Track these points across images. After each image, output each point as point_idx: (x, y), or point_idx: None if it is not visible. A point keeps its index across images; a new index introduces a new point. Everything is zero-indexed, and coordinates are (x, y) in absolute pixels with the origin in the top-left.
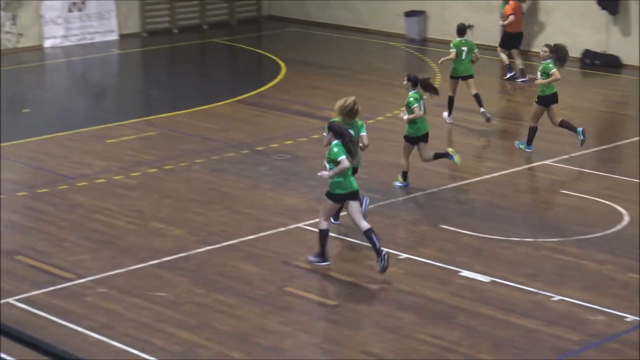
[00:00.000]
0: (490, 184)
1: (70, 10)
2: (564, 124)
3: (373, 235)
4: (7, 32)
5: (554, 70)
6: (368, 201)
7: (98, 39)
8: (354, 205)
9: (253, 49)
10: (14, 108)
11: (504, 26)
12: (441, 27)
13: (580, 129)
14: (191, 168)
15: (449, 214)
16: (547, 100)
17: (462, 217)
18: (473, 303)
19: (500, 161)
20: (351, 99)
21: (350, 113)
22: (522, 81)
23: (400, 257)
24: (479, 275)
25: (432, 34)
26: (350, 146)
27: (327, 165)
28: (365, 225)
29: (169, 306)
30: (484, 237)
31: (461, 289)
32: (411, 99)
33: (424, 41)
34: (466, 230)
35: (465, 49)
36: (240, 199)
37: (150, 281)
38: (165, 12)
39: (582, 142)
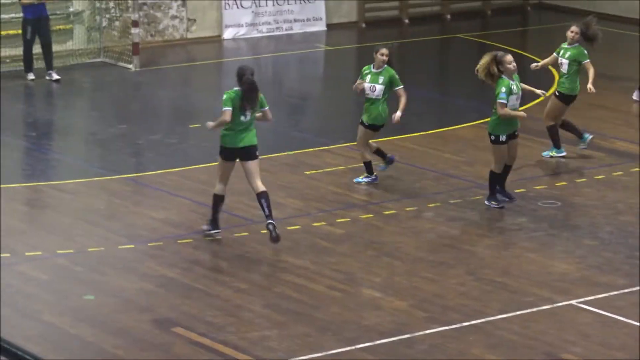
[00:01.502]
0: None
1: None
2: (567, 125)
3: (263, 200)
4: (174, 17)
5: (588, 61)
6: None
7: (298, 29)
8: (247, 165)
9: (514, 49)
10: (180, 121)
11: None
12: None
13: (587, 136)
14: (421, 215)
15: None
16: (571, 99)
17: None
18: None
19: None
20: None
21: None
22: None
23: None
24: None
25: None
26: (249, 96)
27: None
28: (259, 187)
29: None
30: None
31: None
32: None
33: None
34: None
35: None
36: (488, 262)
37: None
38: None
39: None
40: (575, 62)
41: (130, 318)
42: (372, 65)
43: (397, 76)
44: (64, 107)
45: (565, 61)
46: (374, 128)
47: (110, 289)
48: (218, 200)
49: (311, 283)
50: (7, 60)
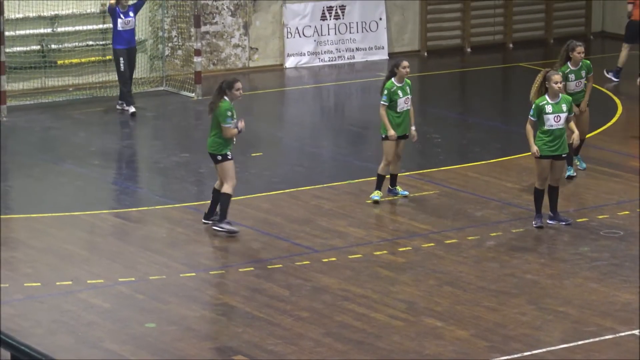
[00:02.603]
0: None
1: (323, 18)
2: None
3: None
4: (237, 46)
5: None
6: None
7: (360, 58)
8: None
9: None
10: (241, 150)
11: None
12: None
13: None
14: (483, 244)
15: None
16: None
17: None
18: None
19: None
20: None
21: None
22: None
23: None
24: None
25: None
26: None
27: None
28: (225, 187)
29: None
30: None
31: None
32: None
33: None
34: None
35: None
36: (551, 291)
37: None
38: (456, 24)
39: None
40: (588, 72)
41: (192, 346)
42: (393, 80)
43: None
44: (127, 135)
45: (583, 80)
46: (405, 137)
47: (172, 317)
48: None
49: (372, 312)
50: (71, 89)
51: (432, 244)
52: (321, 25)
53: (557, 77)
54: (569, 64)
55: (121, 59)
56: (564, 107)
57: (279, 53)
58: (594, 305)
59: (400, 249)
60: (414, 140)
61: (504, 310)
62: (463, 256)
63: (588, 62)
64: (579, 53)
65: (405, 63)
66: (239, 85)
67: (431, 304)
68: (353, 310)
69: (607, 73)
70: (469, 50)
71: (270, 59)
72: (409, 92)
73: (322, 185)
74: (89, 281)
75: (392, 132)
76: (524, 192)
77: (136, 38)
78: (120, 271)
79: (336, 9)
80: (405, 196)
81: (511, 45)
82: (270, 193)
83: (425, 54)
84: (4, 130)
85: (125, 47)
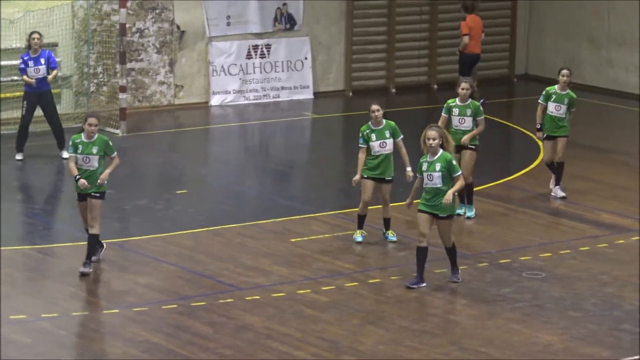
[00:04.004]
0: None
1: (249, 56)
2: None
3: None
4: (162, 83)
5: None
6: None
7: (285, 97)
8: None
9: (499, 120)
10: (165, 188)
11: None
12: None
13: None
14: (404, 283)
15: None
16: None
17: None
18: None
19: None
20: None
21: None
22: None
23: None
24: None
25: None
26: None
27: None
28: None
29: None
30: None
31: None
32: None
33: None
34: None
35: None
36: (472, 332)
37: None
38: (381, 64)
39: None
40: (570, 105)
41: None
42: (370, 123)
43: (397, 127)
44: (51, 171)
45: (564, 106)
46: (386, 181)
47: (94, 353)
48: None
49: (296, 350)
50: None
51: (356, 283)
52: (247, 64)
53: (430, 132)
54: (457, 100)
55: (25, 102)
56: (438, 166)
57: (204, 91)
58: (516, 346)
59: (324, 288)
60: (408, 180)
61: (426, 349)
62: (386, 296)
63: (477, 103)
64: (462, 89)
65: (373, 107)
66: (90, 120)
67: (354, 343)
68: (276, 348)
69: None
70: (393, 90)
71: (195, 96)
72: (387, 135)
73: (246, 223)
74: (11, 317)
75: (355, 177)
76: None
77: (61, 74)
78: (42, 307)
79: (262, 48)
80: (393, 241)
81: (435, 86)
82: (195, 230)
83: (350, 93)
84: None
85: (32, 89)
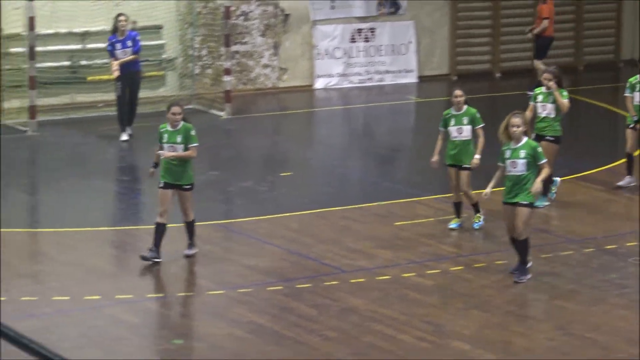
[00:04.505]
0: None
1: (353, 40)
2: None
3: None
4: (266, 66)
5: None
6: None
7: (389, 80)
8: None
9: (604, 105)
10: (270, 170)
11: None
12: None
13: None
14: (511, 269)
15: None
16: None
17: None
18: None
19: None
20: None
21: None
22: None
23: None
24: None
25: None
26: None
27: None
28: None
29: None
30: None
31: None
32: None
33: None
34: None
35: None
36: (578, 317)
37: None
38: (486, 48)
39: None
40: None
41: None
42: (451, 108)
43: (478, 115)
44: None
45: (550, 105)
46: (462, 168)
47: (199, 334)
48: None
49: (400, 334)
50: (100, 105)
51: (461, 267)
52: (351, 47)
53: (514, 119)
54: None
55: (119, 83)
56: (522, 153)
57: (308, 74)
58: (622, 332)
59: (429, 272)
60: (472, 167)
61: (532, 334)
62: (491, 280)
63: (474, 110)
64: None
65: (456, 92)
66: (173, 109)
67: (459, 327)
68: (381, 331)
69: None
70: (498, 75)
71: (299, 79)
72: (465, 122)
73: (351, 206)
74: (117, 296)
75: (433, 158)
76: (555, 218)
77: (165, 56)
78: (149, 287)
79: (366, 32)
80: (453, 229)
81: (582, 68)
82: (299, 213)
83: (455, 77)
84: (33, 144)
85: (123, 72)
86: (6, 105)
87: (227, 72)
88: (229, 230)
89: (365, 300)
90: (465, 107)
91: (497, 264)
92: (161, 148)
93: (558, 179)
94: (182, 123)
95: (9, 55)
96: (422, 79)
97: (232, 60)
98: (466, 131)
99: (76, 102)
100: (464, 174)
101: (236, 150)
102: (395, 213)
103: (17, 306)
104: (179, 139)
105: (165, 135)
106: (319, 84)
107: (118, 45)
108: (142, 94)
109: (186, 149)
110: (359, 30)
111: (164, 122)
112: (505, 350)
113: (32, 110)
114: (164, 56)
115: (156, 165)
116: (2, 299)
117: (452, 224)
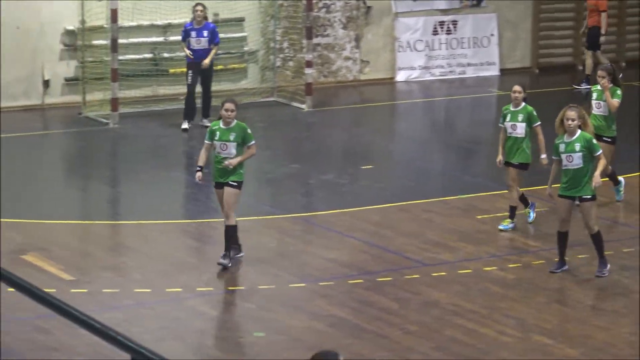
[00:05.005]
0: None
1: (435, 32)
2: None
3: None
4: (348, 58)
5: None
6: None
7: (471, 73)
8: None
9: None
10: (350, 163)
11: None
12: None
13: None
14: (593, 262)
15: None
16: None
17: None
18: None
19: None
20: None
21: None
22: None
23: None
24: None
25: None
26: None
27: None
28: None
29: None
30: None
31: None
32: None
33: None
34: None
35: None
36: None
37: None
38: (569, 41)
39: None
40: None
41: (300, 356)
42: (511, 104)
43: (534, 113)
44: None
45: (604, 103)
46: (517, 166)
47: (280, 327)
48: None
49: (482, 327)
50: (181, 98)
51: (542, 261)
52: (433, 40)
53: (570, 112)
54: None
55: (190, 72)
56: (577, 146)
57: (390, 66)
58: None
59: (510, 265)
60: (542, 165)
61: (614, 329)
62: (573, 274)
63: (531, 108)
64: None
65: (515, 87)
66: (227, 105)
67: (540, 322)
68: (462, 325)
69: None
70: (581, 67)
71: (381, 72)
72: (519, 119)
73: (432, 200)
74: (198, 289)
75: (497, 158)
76: (635, 212)
77: (247, 48)
78: (229, 280)
79: (448, 24)
80: (503, 230)
81: (624, 64)
82: (380, 206)
83: (537, 70)
84: (114, 136)
85: (194, 60)
86: (88, 97)
87: (309, 64)
88: (309, 223)
89: (446, 294)
90: (523, 104)
91: (578, 258)
92: (211, 146)
93: (622, 180)
94: (235, 121)
95: (92, 48)
96: (504, 71)
97: (314, 52)
98: (520, 128)
99: (158, 95)
100: (513, 172)
101: (317, 143)
102: (477, 206)
103: (100, 298)
104: (231, 136)
105: (218, 133)
106: (401, 76)
107: (193, 34)
108: (224, 86)
109: (241, 147)
110: (441, 23)
111: (254, 114)
112: (586, 344)
113: (114, 103)
114: (245, 49)
115: (201, 168)
116: (84, 290)
117: (502, 225)
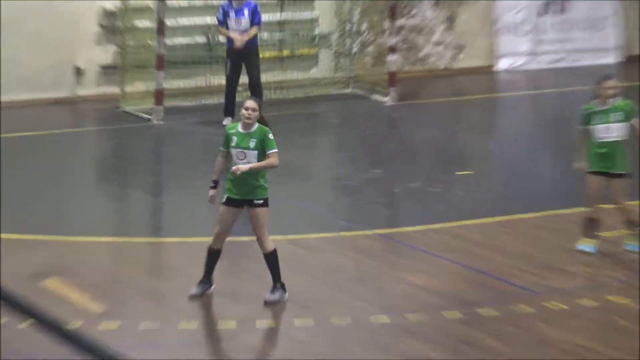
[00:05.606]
0: None
1: (541, 14)
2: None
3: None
4: (438, 43)
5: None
6: None
7: (586, 61)
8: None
9: None
10: (443, 167)
11: None
12: None
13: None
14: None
15: None
16: None
17: None
18: None
19: None
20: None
21: None
22: None
23: None
24: None
25: None
26: None
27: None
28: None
29: None
30: None
31: None
32: None
33: None
34: None
35: None
36: None
37: None
38: None
39: None
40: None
41: None
42: (595, 102)
43: (632, 107)
44: (305, 145)
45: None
46: (613, 175)
47: None
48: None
49: None
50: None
51: None
52: (539, 22)
53: (609, 82)
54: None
55: (229, 60)
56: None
57: (489, 53)
58: None
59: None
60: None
61: None
62: None
63: (625, 102)
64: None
65: (609, 83)
66: (248, 103)
67: None
68: None
69: None
70: None
71: (478, 59)
72: (615, 119)
73: (543, 213)
74: (257, 321)
75: (576, 164)
76: None
77: (318, 31)
78: (294, 310)
79: (558, 3)
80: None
81: None
82: (480, 220)
83: None
84: (160, 135)
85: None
86: (128, 88)
87: (392, 50)
88: (393, 241)
89: (563, 330)
90: (611, 100)
91: None
92: (227, 155)
93: None
94: (256, 125)
95: (135, 30)
96: (627, 59)
97: (398, 36)
98: (617, 130)
99: (212, 86)
100: (618, 184)
101: (402, 143)
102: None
103: (136, 333)
104: (251, 143)
105: (235, 138)
106: (502, 64)
107: (231, 14)
108: (290, 75)
109: (262, 156)
110: (548, 3)
111: (327, 109)
112: None
113: (159, 95)
114: (316, 32)
115: (216, 184)
116: (117, 323)
117: (586, 247)
